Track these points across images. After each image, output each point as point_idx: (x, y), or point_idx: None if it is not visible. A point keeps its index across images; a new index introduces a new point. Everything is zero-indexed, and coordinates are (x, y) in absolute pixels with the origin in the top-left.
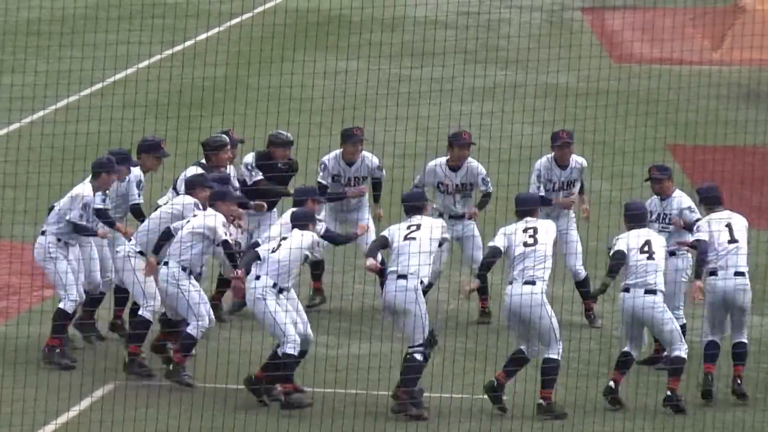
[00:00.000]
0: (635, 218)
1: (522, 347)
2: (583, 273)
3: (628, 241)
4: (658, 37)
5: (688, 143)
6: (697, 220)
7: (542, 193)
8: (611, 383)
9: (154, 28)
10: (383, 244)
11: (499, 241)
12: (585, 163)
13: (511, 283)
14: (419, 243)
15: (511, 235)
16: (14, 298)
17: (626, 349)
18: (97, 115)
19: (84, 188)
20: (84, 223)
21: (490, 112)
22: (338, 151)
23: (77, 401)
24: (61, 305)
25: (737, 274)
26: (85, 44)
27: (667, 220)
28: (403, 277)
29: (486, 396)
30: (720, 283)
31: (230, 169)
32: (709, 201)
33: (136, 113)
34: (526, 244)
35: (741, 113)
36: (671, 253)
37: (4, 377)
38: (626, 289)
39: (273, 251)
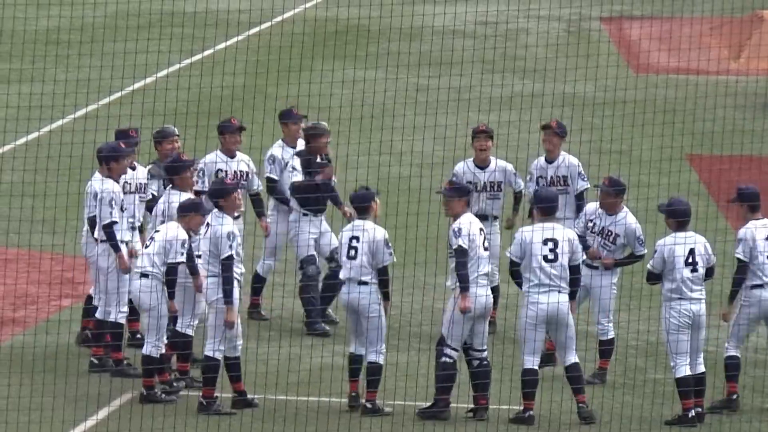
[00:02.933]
0: (683, 223)
1: (534, 366)
2: (496, 280)
3: (675, 252)
4: (677, 47)
5: (706, 153)
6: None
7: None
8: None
9: (173, 37)
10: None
11: (515, 252)
12: (510, 167)
13: (539, 293)
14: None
15: (529, 244)
16: (32, 307)
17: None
18: (116, 124)
19: (102, 185)
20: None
21: (508, 122)
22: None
23: (95, 411)
24: (112, 317)
25: None
26: (104, 53)
27: (611, 238)
28: (492, 284)
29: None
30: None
31: (246, 161)
32: (751, 203)
33: (155, 122)
34: (546, 259)
35: (759, 123)
36: (596, 267)
37: (22, 386)
38: (682, 299)
39: (352, 258)
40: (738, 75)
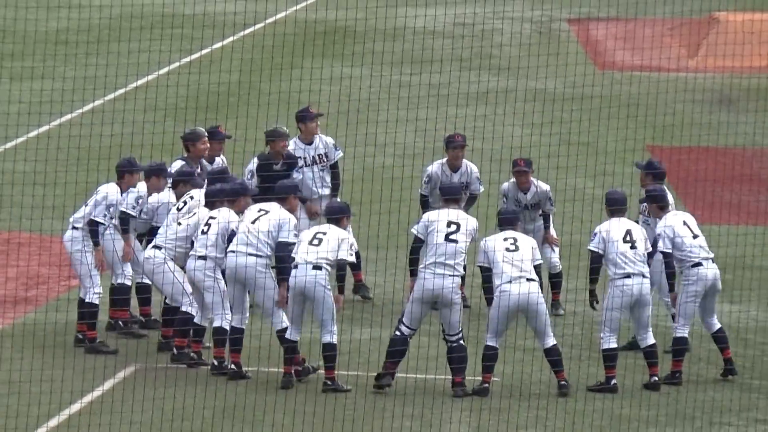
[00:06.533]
0: (617, 206)
1: (495, 344)
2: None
3: (612, 233)
4: (639, 46)
5: (665, 144)
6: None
7: (434, 194)
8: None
9: (172, 37)
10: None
11: (483, 258)
12: (476, 171)
13: (510, 282)
14: (460, 245)
15: (491, 251)
16: (43, 287)
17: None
18: (120, 118)
19: (110, 189)
20: (105, 222)
21: (483, 116)
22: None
23: (101, 382)
24: (87, 298)
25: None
26: (109, 52)
27: (647, 213)
28: (454, 276)
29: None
30: (709, 273)
31: (219, 161)
32: (662, 202)
33: (156, 116)
34: (508, 250)
35: (715, 116)
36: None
37: (34, 360)
38: (627, 276)
39: (315, 245)
40: (696, 72)
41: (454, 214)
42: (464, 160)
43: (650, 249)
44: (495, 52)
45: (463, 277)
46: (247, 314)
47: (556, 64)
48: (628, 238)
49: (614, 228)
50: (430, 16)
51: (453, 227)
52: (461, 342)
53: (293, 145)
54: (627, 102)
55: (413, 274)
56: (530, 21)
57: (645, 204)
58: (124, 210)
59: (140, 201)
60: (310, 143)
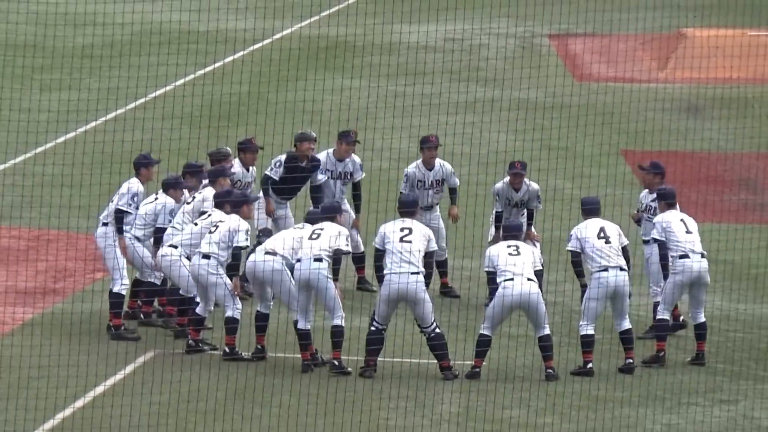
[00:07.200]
0: (590, 207)
1: (490, 333)
2: (444, 255)
3: (586, 232)
4: (613, 59)
5: (638, 149)
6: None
7: (412, 192)
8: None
9: (188, 52)
10: (380, 256)
11: (488, 264)
12: (449, 168)
13: (512, 279)
14: (415, 245)
15: (495, 256)
16: (70, 279)
17: (592, 330)
18: (140, 125)
19: (131, 182)
20: (131, 211)
21: (471, 123)
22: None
23: (123, 366)
24: (115, 289)
25: (702, 256)
26: (130, 65)
27: (651, 212)
28: (416, 273)
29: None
30: (695, 265)
31: (252, 171)
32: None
33: (173, 124)
34: (511, 255)
35: (683, 123)
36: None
37: (62, 346)
38: (605, 269)
39: (314, 239)
40: (665, 83)
41: (408, 222)
42: (438, 159)
43: (625, 243)
44: (482, 65)
45: (445, 272)
46: (271, 302)
47: (537, 75)
48: (602, 235)
49: (588, 227)
50: (423, 32)
51: (406, 231)
52: (437, 331)
53: (325, 157)
54: (602, 110)
55: (380, 281)
56: (514, 36)
57: (647, 203)
58: (161, 225)
59: (173, 213)
60: (341, 160)
